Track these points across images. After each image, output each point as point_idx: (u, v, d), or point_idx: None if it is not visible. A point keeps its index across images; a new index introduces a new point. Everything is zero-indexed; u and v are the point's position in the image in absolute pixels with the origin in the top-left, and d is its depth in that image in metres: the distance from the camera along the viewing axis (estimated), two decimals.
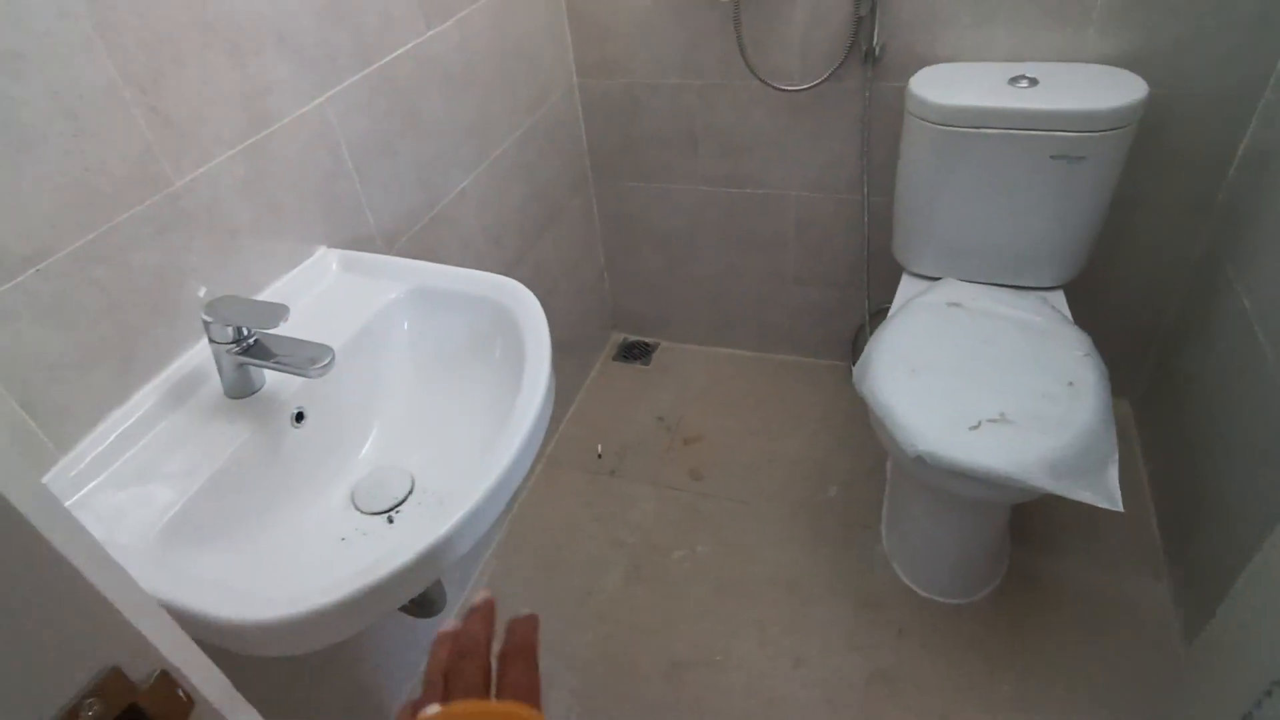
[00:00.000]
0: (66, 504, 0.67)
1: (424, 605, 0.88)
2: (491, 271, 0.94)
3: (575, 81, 1.69)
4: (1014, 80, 1.30)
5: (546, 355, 0.85)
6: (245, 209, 0.89)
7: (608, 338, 2.14)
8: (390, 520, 0.83)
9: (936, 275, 1.50)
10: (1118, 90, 1.24)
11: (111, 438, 0.75)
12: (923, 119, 1.33)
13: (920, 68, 1.41)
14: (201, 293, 0.80)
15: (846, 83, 1.50)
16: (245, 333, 0.76)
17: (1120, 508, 1.04)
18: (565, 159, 1.71)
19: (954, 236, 1.44)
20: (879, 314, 1.75)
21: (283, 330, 0.74)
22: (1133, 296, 1.60)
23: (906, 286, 1.52)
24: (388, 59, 1.08)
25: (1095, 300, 1.54)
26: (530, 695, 0.37)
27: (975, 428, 1.13)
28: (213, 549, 0.72)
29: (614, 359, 2.08)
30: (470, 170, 1.34)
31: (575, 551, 1.59)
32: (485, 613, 0.41)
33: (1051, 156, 1.27)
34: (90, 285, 0.72)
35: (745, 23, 1.48)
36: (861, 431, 1.70)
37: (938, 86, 1.33)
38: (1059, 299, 1.43)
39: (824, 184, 1.67)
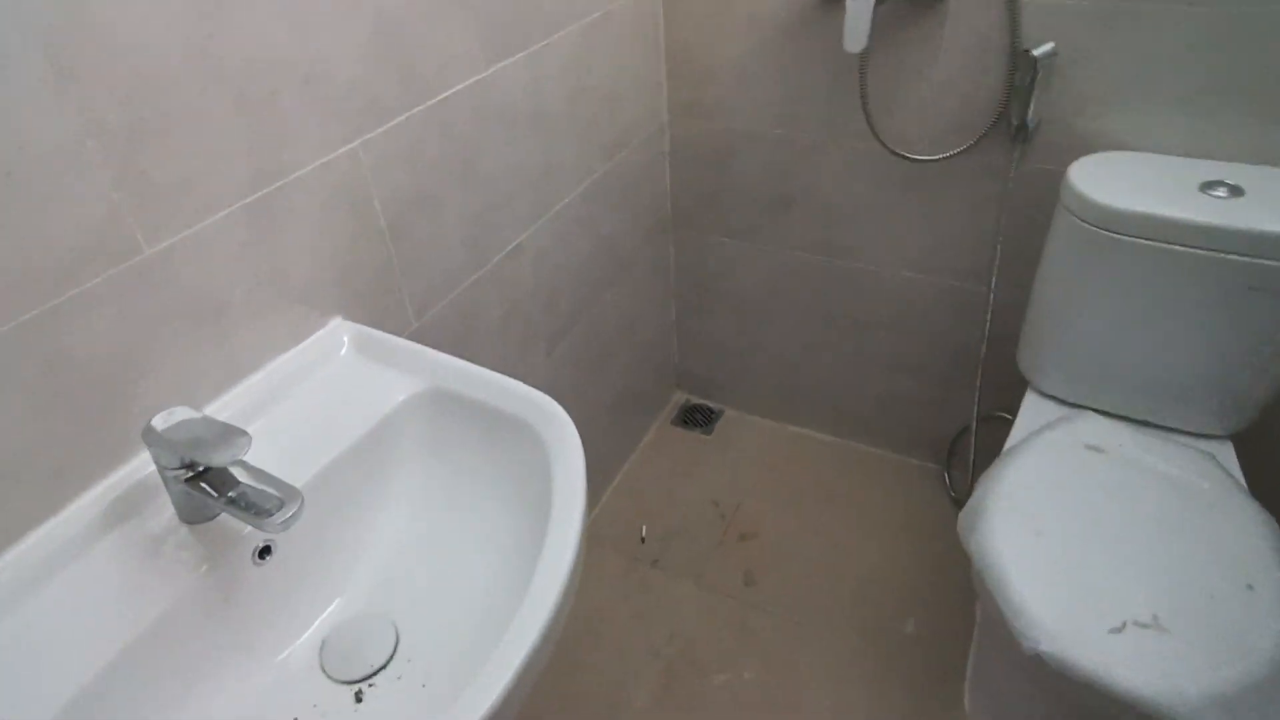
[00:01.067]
0: None
1: None
2: (540, 339, 0.75)
3: (665, 121, 1.50)
4: (1208, 186, 1.04)
5: (579, 507, 0.65)
6: (241, 278, 0.72)
7: (669, 397, 1.94)
8: (358, 698, 0.66)
9: (1069, 400, 1.24)
10: None
11: (30, 561, 0.59)
12: (1082, 219, 1.08)
13: (1081, 151, 1.17)
14: (155, 420, 0.63)
15: (986, 158, 1.26)
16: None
17: None
18: (642, 208, 1.52)
19: (1099, 359, 1.18)
20: (990, 420, 1.50)
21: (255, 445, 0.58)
22: None
23: (1032, 408, 1.26)
24: (438, 99, 0.91)
25: (1275, 457, 1.26)
26: None
27: (1118, 630, 0.88)
28: None
29: (673, 423, 1.88)
30: (528, 225, 1.16)
31: (603, 653, 1.39)
32: None
33: (1251, 288, 1.01)
34: (10, 381, 0.57)
35: (870, 79, 1.26)
36: (952, 554, 1.45)
37: (1106, 182, 1.08)
38: (1228, 453, 1.15)
39: (933, 267, 1.43)
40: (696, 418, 1.89)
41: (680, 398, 1.94)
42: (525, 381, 0.75)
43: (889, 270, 1.48)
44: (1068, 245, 1.13)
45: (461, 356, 0.79)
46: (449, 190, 0.97)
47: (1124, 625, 0.88)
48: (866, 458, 1.74)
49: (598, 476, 1.67)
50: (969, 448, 1.52)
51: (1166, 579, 0.93)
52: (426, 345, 0.82)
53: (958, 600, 1.42)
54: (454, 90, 0.93)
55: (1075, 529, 0.99)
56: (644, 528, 1.61)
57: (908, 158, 1.29)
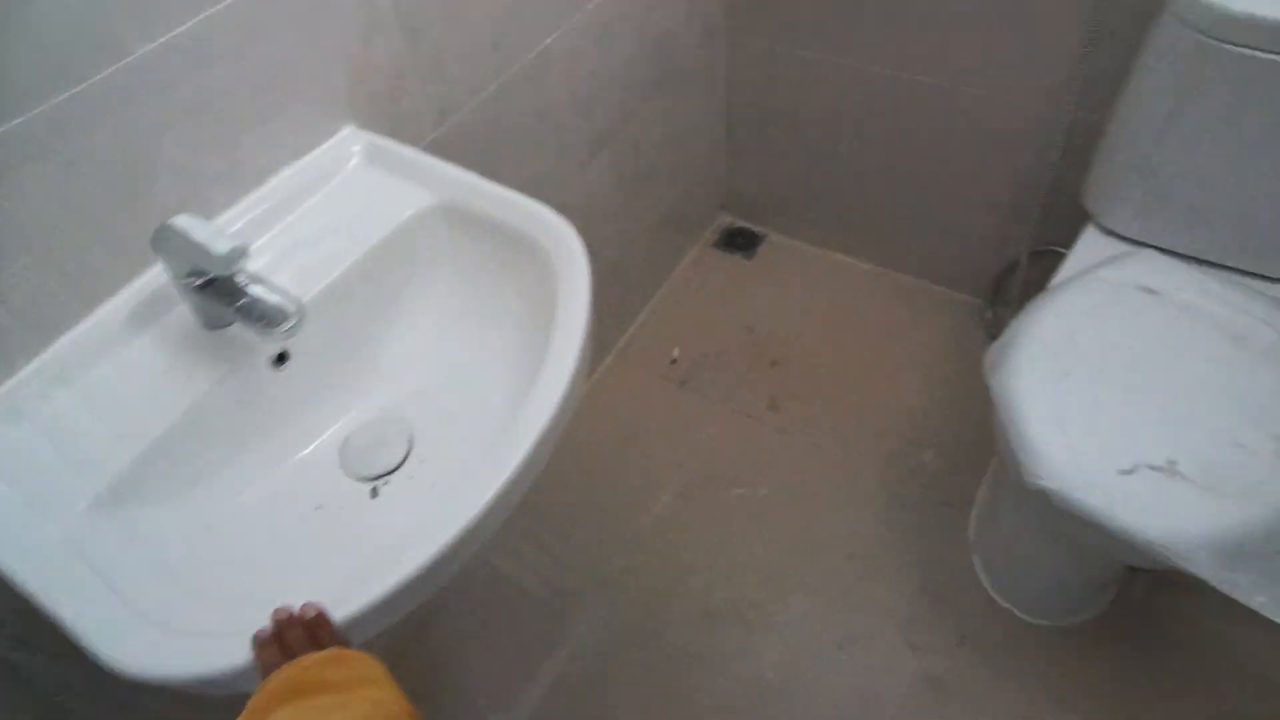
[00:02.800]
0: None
1: None
2: (576, 150, 0.73)
3: None
4: None
5: (581, 326, 0.66)
6: (243, 81, 0.70)
7: (713, 219, 1.88)
8: (374, 493, 0.71)
9: (1133, 236, 1.15)
10: None
11: (57, 365, 0.64)
12: (1195, 27, 0.93)
13: None
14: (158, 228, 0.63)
15: None
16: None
17: None
18: (692, 6, 1.39)
19: (1177, 188, 1.07)
20: (1042, 255, 1.42)
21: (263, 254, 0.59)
22: None
23: (1089, 244, 1.18)
24: None
25: None
26: (343, 642, 0.49)
27: (1128, 472, 0.88)
28: (163, 511, 0.62)
29: (715, 245, 1.84)
30: (560, 20, 1.07)
31: (628, 465, 1.48)
32: (285, 609, 0.50)
33: None
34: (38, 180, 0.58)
35: None
36: (982, 392, 1.43)
37: None
38: None
39: (1012, 86, 1.28)
40: (739, 241, 1.84)
41: (724, 219, 1.88)
42: (559, 195, 0.73)
43: (961, 85, 1.34)
44: (1167, 55, 0.98)
45: (488, 168, 0.77)
46: None
47: (1135, 467, 0.87)
48: (908, 289, 1.69)
49: (635, 296, 1.68)
50: (1015, 282, 1.45)
51: (1194, 426, 0.91)
52: (448, 156, 0.80)
53: (980, 437, 1.40)
54: None
55: (1107, 372, 0.96)
56: (676, 350, 1.63)
57: None
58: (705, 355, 1.62)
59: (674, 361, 1.62)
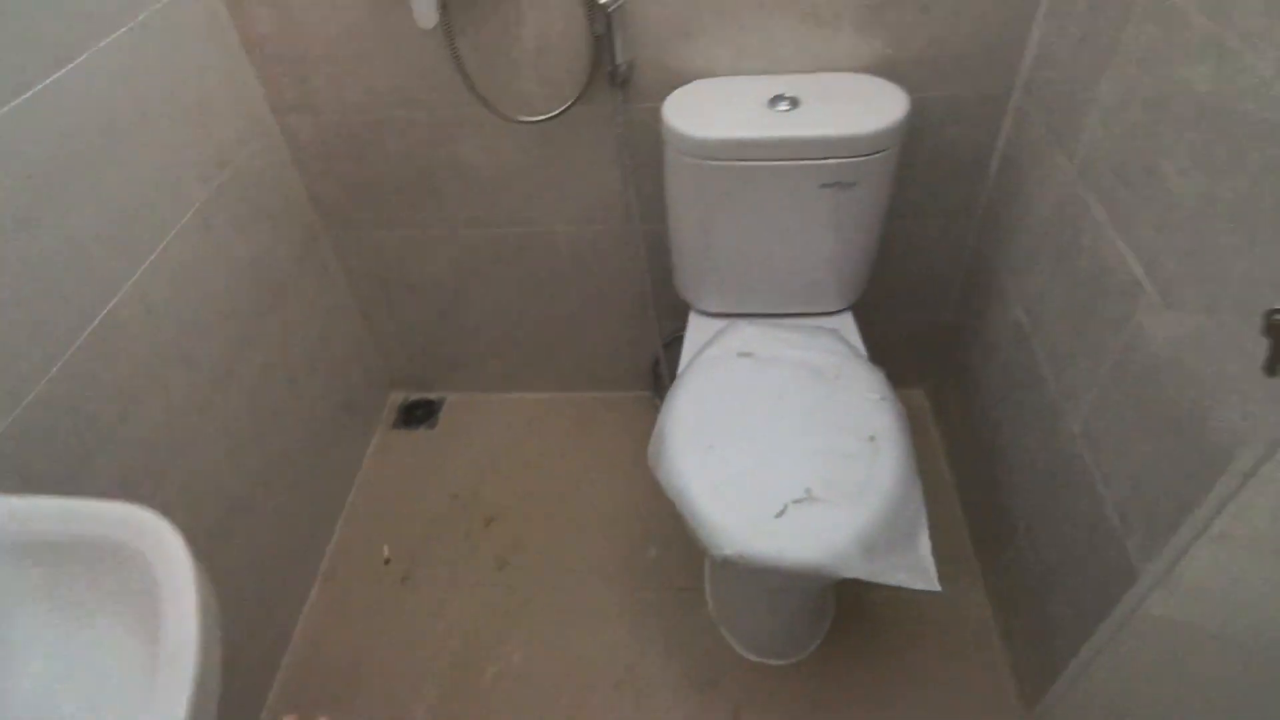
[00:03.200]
0: None
1: None
2: (194, 398, 0.66)
3: (274, 124, 1.36)
4: (774, 101, 1.16)
5: (191, 644, 0.58)
6: None
7: (384, 401, 1.85)
8: None
9: (723, 311, 1.37)
10: (881, 106, 1.14)
11: None
12: (681, 152, 1.17)
13: (675, 84, 1.25)
14: None
15: (597, 107, 1.30)
16: None
17: (938, 587, 0.96)
18: (283, 219, 1.40)
19: (733, 270, 1.31)
20: (674, 342, 1.61)
21: None
22: (916, 298, 1.56)
23: (695, 326, 1.38)
24: None
25: (882, 306, 1.49)
26: None
27: (781, 514, 1.01)
28: None
29: (395, 426, 1.80)
30: (122, 280, 1.01)
31: (370, 690, 1.34)
32: None
33: (822, 185, 1.15)
34: None
35: (466, 50, 1.24)
36: None
37: (694, 114, 1.17)
38: (848, 322, 1.35)
39: (593, 216, 1.48)
40: (418, 414, 1.83)
41: (397, 397, 1.87)
42: (189, 449, 0.65)
43: (554, 227, 1.50)
44: (680, 176, 1.21)
45: (74, 464, 0.67)
46: None
47: (784, 508, 1.01)
48: (586, 403, 1.81)
49: (324, 511, 1.57)
50: (664, 371, 1.63)
51: (813, 455, 1.07)
52: (27, 451, 0.69)
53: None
54: None
55: (738, 434, 1.11)
56: (386, 548, 1.55)
57: (523, 121, 1.29)
58: (418, 540, 1.56)
59: (387, 561, 1.53)
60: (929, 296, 1.56)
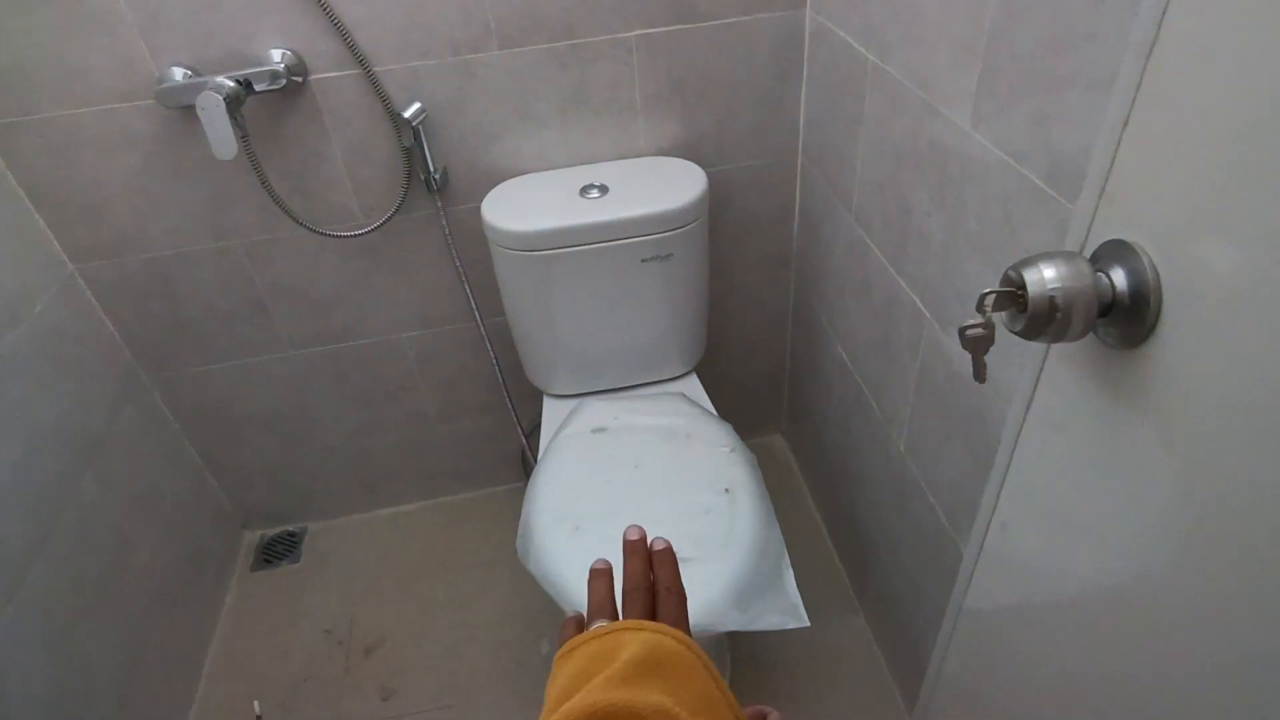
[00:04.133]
0: None
1: None
2: None
3: (72, 272, 1.29)
4: (585, 190, 1.23)
5: None
6: None
7: (239, 542, 1.72)
8: None
9: (574, 391, 1.40)
10: (683, 183, 1.23)
11: None
12: (504, 247, 1.21)
13: (491, 183, 1.30)
14: None
15: (418, 213, 1.33)
16: None
17: (806, 622, 1.00)
18: (95, 367, 1.31)
19: (576, 351, 1.34)
20: (538, 428, 1.62)
21: None
22: (755, 349, 1.66)
23: (549, 409, 1.39)
24: None
25: (725, 362, 1.57)
26: (684, 626, 0.45)
27: None
28: None
29: (254, 568, 1.68)
30: None
31: None
32: (643, 553, 0.48)
33: (642, 261, 1.22)
34: None
35: (274, 173, 1.23)
36: None
37: (510, 209, 1.22)
38: (693, 383, 1.41)
39: (434, 319, 1.48)
40: (279, 549, 1.72)
41: (253, 537, 1.75)
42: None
43: (396, 335, 1.49)
44: (508, 268, 1.25)
45: None
46: None
47: None
48: (459, 504, 1.76)
49: (177, 680, 1.42)
50: (530, 457, 1.63)
51: (677, 516, 1.10)
52: None
53: None
54: None
55: (600, 510, 1.12)
56: (256, 704, 1.42)
57: (344, 236, 1.30)
58: (294, 686, 1.44)
59: (259, 717, 1.40)
60: (766, 345, 1.66)
